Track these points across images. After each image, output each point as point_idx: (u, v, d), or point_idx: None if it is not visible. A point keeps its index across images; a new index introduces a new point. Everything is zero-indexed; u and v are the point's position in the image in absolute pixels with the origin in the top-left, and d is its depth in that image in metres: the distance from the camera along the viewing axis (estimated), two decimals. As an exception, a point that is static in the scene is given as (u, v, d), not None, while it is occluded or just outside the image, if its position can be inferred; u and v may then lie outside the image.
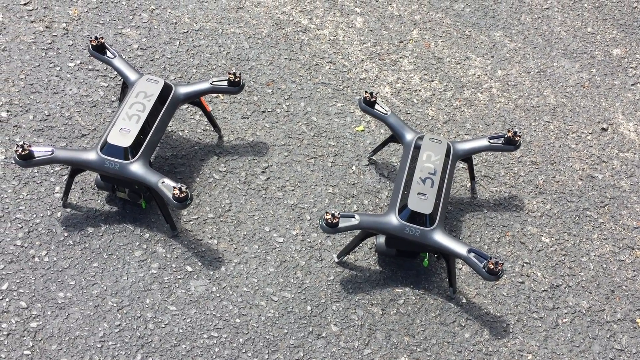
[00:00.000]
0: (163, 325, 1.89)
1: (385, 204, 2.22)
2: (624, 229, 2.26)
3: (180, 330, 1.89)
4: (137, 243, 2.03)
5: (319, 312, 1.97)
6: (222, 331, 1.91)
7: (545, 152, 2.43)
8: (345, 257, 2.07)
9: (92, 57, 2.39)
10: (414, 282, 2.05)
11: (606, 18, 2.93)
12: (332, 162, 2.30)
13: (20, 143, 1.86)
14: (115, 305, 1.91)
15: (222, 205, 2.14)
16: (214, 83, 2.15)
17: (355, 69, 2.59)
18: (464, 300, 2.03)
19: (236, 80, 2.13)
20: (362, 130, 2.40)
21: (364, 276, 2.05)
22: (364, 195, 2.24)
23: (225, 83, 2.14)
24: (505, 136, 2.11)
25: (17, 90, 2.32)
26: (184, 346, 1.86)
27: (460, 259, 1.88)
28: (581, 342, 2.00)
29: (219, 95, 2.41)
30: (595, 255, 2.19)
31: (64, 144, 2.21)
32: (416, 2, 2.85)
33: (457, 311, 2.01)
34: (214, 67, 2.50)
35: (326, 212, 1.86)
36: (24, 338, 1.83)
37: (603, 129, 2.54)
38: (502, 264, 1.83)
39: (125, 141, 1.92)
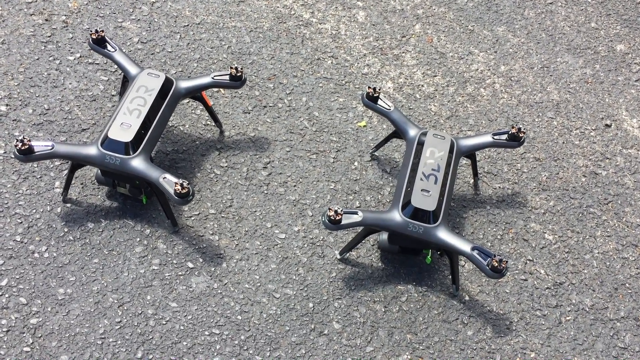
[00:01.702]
0: (164, 322, 1.88)
1: (388, 200, 2.20)
2: (628, 226, 2.25)
3: (182, 327, 1.88)
4: (138, 239, 2.01)
5: (321, 309, 1.96)
6: (223, 328, 1.89)
7: (549, 149, 2.42)
8: (348, 254, 2.06)
9: (92, 51, 2.37)
10: (416, 279, 2.04)
11: (610, 13, 2.91)
12: (334, 158, 2.29)
13: (20, 137, 1.85)
14: (115, 301, 1.89)
15: (224, 201, 2.13)
16: (215, 77, 2.13)
17: (358, 63, 2.57)
18: (467, 298, 2.02)
19: (238, 74, 2.11)
20: (365, 126, 2.39)
21: (367, 273, 2.04)
22: (366, 191, 2.22)
23: (227, 77, 2.12)
24: (510, 132, 2.10)
25: (16, 83, 2.29)
26: (185, 343, 1.85)
27: (464, 256, 1.87)
28: (584, 340, 2.00)
29: (220, 89, 2.39)
30: (598, 253, 2.18)
31: (64, 139, 2.19)
32: (419, -4, 2.83)
33: (460, 309, 2.00)
34: (215, 61, 2.47)
35: (329, 209, 1.84)
36: (24, 334, 1.81)
37: (607, 125, 2.52)
38: (506, 261, 1.82)
39: (126, 136, 1.90)
